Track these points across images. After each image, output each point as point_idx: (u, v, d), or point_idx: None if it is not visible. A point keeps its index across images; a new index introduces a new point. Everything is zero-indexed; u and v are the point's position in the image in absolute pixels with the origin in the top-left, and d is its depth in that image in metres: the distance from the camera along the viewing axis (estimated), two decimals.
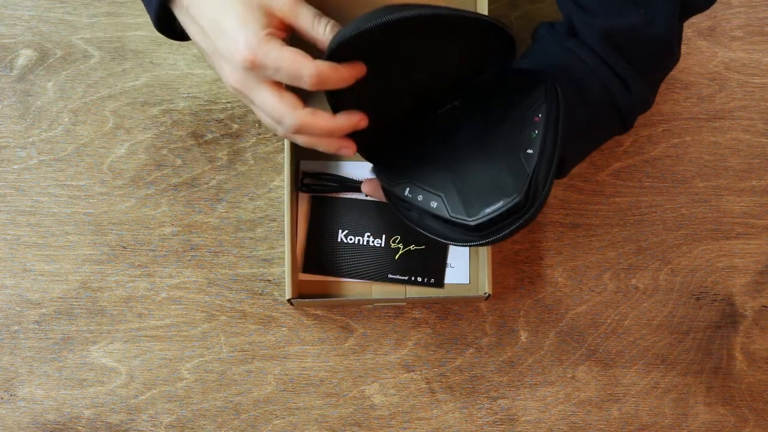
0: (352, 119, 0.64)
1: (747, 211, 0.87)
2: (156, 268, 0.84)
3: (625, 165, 0.87)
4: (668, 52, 0.72)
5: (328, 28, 0.62)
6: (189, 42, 0.88)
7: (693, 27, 0.89)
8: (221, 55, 0.62)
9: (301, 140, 0.65)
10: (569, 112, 0.67)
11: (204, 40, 0.63)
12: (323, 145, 0.65)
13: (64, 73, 0.87)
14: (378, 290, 0.83)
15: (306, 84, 0.60)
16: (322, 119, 0.63)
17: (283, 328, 0.84)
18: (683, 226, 0.87)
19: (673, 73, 0.88)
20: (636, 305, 0.85)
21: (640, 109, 0.73)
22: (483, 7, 0.79)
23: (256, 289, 0.84)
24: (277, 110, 0.62)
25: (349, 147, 0.66)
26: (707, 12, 0.89)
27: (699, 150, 0.88)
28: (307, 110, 0.62)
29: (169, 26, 0.67)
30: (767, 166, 0.88)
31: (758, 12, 0.90)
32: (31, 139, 0.86)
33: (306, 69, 0.60)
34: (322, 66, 0.60)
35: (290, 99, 0.62)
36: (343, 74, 0.61)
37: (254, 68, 0.61)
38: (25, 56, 0.87)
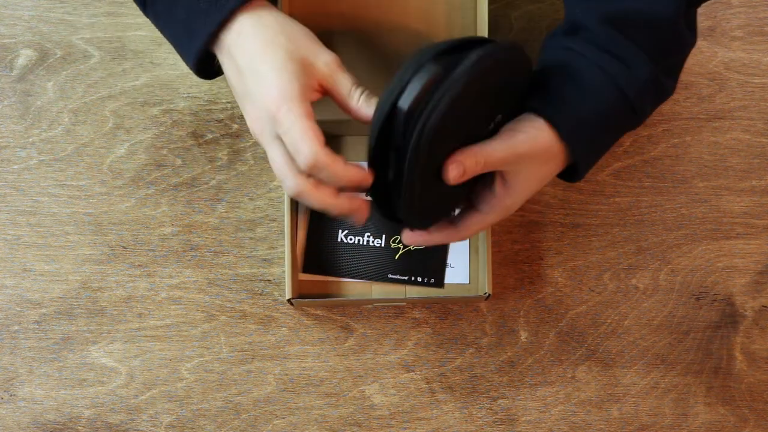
0: (362, 173, 0.62)
1: (747, 211, 0.87)
2: (156, 268, 0.84)
3: (625, 165, 0.87)
4: (675, 35, 0.69)
5: (363, 97, 0.63)
6: None
7: None
8: (250, 97, 0.61)
9: (316, 197, 0.62)
10: (571, 109, 0.66)
11: (238, 82, 0.62)
12: (336, 205, 0.63)
13: (64, 73, 0.87)
14: (378, 290, 0.83)
15: (300, 161, 0.59)
16: (338, 162, 0.60)
17: (283, 328, 0.84)
18: (683, 226, 0.87)
19: None
20: (636, 305, 0.85)
21: (652, 91, 0.69)
22: (483, 7, 0.79)
23: (256, 289, 0.84)
24: (297, 143, 0.59)
25: (362, 212, 0.64)
26: (707, 12, 0.89)
27: (699, 150, 0.88)
28: (325, 150, 0.59)
29: (205, 66, 0.66)
30: (767, 166, 0.88)
31: (758, 12, 0.90)
32: (31, 139, 0.86)
33: (305, 147, 0.58)
34: (323, 156, 0.59)
35: (315, 133, 0.60)
36: (338, 174, 0.60)
37: (273, 119, 0.60)
38: (25, 56, 0.87)
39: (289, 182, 0.61)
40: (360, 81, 0.82)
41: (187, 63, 0.66)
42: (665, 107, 0.88)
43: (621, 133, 0.71)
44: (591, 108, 0.67)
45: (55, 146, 0.86)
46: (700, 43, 0.89)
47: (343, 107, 0.64)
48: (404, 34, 0.82)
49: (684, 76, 0.89)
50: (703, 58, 0.89)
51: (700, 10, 0.89)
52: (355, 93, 0.63)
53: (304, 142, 0.58)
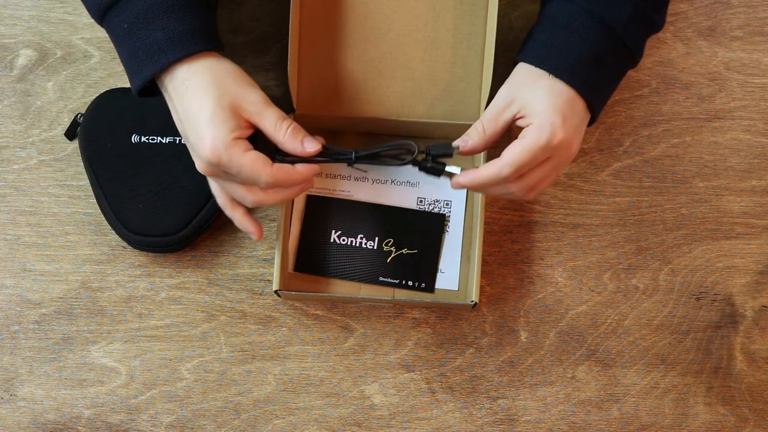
0: (309, 170, 0.71)
1: (747, 211, 0.87)
2: (156, 268, 0.84)
3: (625, 165, 0.87)
4: None
5: (289, 130, 0.68)
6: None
7: (693, 27, 0.89)
8: (190, 145, 0.69)
9: (273, 199, 0.71)
10: (551, 46, 0.70)
11: (179, 125, 0.69)
12: (291, 194, 0.72)
13: (64, 73, 0.87)
14: (366, 290, 0.83)
15: (262, 185, 0.68)
16: (292, 170, 0.69)
17: (283, 328, 0.84)
18: (683, 226, 0.87)
19: (673, 73, 0.88)
20: (636, 305, 0.85)
21: (641, 25, 0.72)
22: (493, 6, 0.79)
23: (256, 289, 0.84)
24: (253, 177, 0.67)
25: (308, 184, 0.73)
26: (707, 12, 0.89)
27: (699, 150, 0.88)
28: (276, 166, 0.68)
29: (148, 90, 0.72)
30: (767, 166, 0.88)
31: (758, 12, 0.90)
32: (31, 139, 0.86)
33: (263, 176, 0.67)
34: (278, 173, 0.68)
35: (262, 160, 0.68)
36: (294, 179, 0.69)
37: (218, 167, 0.67)
38: (25, 56, 0.87)
39: (250, 199, 0.70)
40: (367, 82, 0.82)
41: (134, 88, 0.70)
42: (665, 107, 0.88)
43: (619, 65, 0.74)
44: (575, 43, 0.71)
45: (55, 146, 0.86)
46: (700, 43, 0.89)
47: (272, 140, 0.69)
48: (412, 35, 0.82)
49: (684, 76, 0.89)
50: (703, 58, 0.89)
51: (701, 10, 0.89)
52: (280, 128, 0.68)
53: (258, 173, 0.67)
